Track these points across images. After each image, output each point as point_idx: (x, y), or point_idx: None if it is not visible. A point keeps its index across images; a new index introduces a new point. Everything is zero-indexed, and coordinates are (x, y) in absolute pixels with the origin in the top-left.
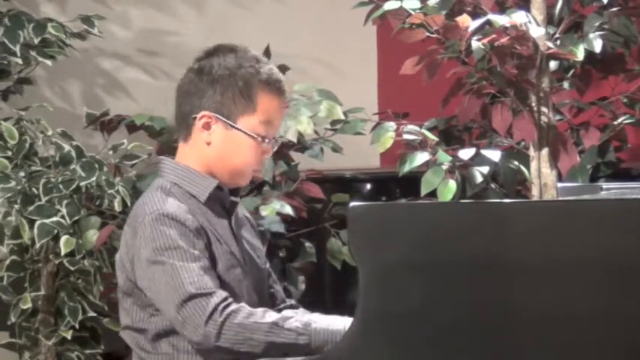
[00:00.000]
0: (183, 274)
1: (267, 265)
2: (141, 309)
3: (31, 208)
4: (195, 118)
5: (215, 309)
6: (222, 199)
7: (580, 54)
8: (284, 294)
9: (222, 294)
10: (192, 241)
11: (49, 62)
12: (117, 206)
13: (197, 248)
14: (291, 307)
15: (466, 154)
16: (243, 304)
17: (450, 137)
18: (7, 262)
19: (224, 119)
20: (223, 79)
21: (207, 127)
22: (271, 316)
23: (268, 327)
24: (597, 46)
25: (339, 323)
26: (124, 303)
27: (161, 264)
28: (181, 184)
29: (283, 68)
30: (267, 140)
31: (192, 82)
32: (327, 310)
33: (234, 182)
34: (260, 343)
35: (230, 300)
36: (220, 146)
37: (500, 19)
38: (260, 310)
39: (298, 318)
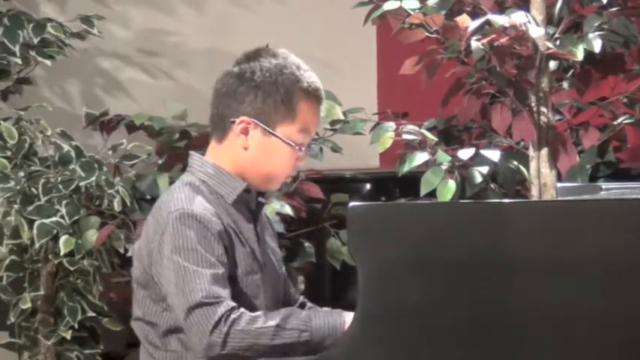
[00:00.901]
0: (196, 280)
1: (284, 269)
2: (154, 302)
3: (30, 208)
4: (233, 122)
5: (220, 318)
6: (249, 202)
7: (579, 54)
8: (296, 297)
9: (229, 304)
10: (212, 246)
11: (48, 62)
12: (116, 206)
13: (215, 254)
14: (302, 305)
15: (465, 154)
16: (243, 309)
17: (450, 137)
18: (7, 262)
19: (263, 126)
20: (265, 86)
21: (245, 132)
22: (273, 318)
23: (272, 331)
24: (597, 46)
25: (339, 317)
26: (138, 294)
27: (175, 264)
28: (210, 182)
29: None
30: (303, 148)
31: (232, 86)
32: None
33: (265, 187)
34: (265, 346)
35: (235, 309)
36: (257, 152)
37: (500, 19)
38: (260, 313)
39: (297, 315)
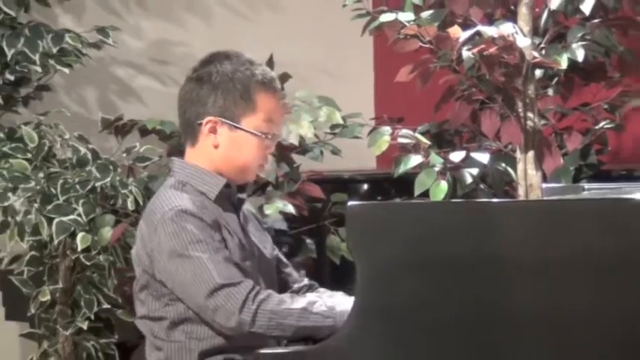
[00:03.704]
0: (211, 266)
1: (275, 252)
2: (156, 299)
3: (49, 206)
4: (200, 124)
5: (247, 298)
6: (230, 196)
7: (564, 63)
8: (296, 275)
9: (249, 283)
10: (211, 234)
11: (66, 70)
12: (130, 205)
13: (216, 240)
14: (310, 286)
15: (457, 156)
16: (270, 290)
17: (442, 141)
18: (27, 257)
19: (229, 122)
20: (223, 85)
21: (213, 131)
22: (300, 301)
23: (299, 312)
24: (580, 55)
25: None
26: (140, 294)
27: (187, 257)
28: (192, 182)
29: (285, 76)
30: (269, 136)
31: (194, 91)
32: None
33: (242, 178)
34: (291, 327)
35: (258, 288)
36: (227, 147)
37: (489, 30)
38: (287, 295)
39: (323, 302)
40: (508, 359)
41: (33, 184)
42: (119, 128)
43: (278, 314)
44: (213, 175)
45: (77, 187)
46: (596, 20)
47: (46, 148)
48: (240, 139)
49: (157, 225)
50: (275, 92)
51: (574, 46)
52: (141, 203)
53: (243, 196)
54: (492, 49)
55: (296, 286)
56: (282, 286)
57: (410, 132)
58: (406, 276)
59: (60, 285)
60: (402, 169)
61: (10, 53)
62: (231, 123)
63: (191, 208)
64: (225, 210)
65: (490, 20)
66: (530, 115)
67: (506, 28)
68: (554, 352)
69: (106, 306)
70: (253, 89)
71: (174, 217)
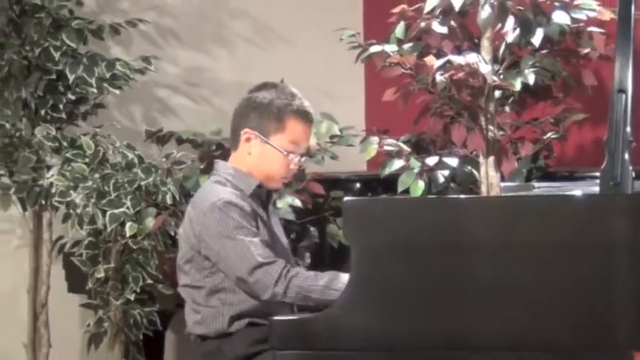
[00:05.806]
0: (252, 248)
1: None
2: (198, 272)
3: (103, 201)
4: (240, 133)
5: (280, 274)
6: (261, 195)
7: (518, 85)
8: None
9: (282, 262)
10: (250, 221)
11: (117, 91)
12: (168, 200)
13: (253, 226)
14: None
15: (432, 160)
16: (299, 268)
17: (420, 148)
18: (86, 242)
19: (261, 136)
20: (262, 106)
21: (248, 140)
22: (322, 278)
23: (321, 289)
24: (531, 79)
25: None
26: (185, 267)
27: (232, 239)
28: (232, 180)
29: None
30: (292, 155)
31: (242, 108)
32: None
33: (267, 185)
34: (314, 299)
35: (289, 266)
36: (257, 156)
37: (458, 59)
38: (312, 273)
39: (339, 280)
40: (473, 323)
41: (90, 183)
42: (160, 138)
43: (304, 289)
44: (248, 177)
45: (126, 185)
46: (544, 51)
47: (100, 154)
48: (267, 152)
49: (206, 212)
50: (304, 121)
51: (526, 71)
52: (177, 198)
53: (272, 191)
54: (460, 74)
55: None
56: None
57: (394, 141)
58: (392, 257)
59: (112, 264)
60: (387, 171)
61: (71, 78)
62: (262, 137)
63: (234, 200)
64: (257, 205)
65: (459, 51)
66: (490, 127)
67: (471, 57)
68: (506, 317)
69: (149, 281)
70: (286, 115)
71: (222, 207)
